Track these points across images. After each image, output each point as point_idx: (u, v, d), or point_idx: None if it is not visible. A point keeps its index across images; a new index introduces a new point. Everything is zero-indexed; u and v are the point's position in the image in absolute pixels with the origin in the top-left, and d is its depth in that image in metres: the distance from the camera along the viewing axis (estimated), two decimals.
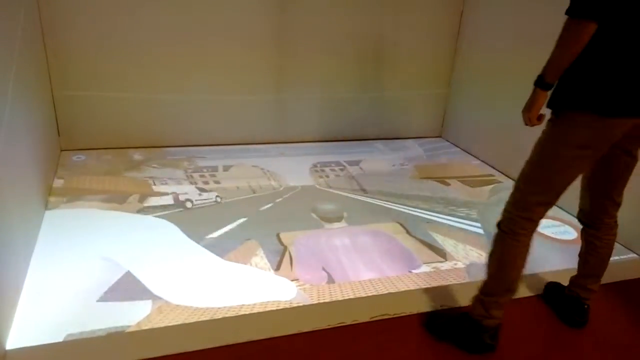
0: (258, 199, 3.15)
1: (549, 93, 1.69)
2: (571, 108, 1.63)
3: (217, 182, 3.34)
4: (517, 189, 1.82)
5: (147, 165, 3.51)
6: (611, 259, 2.68)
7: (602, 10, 1.46)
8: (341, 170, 3.73)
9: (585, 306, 2.16)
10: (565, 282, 2.24)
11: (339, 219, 2.95)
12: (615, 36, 1.52)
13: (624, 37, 1.52)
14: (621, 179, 1.90)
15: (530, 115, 1.71)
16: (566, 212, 3.09)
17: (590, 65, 1.57)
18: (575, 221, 3.07)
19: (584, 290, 2.15)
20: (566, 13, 1.50)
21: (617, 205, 1.98)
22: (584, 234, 2.09)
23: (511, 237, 1.81)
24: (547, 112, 1.74)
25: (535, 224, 1.81)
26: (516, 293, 1.91)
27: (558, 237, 2.90)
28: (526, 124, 1.76)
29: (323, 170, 3.69)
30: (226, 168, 3.58)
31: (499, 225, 1.87)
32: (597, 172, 1.88)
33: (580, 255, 2.14)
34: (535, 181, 1.77)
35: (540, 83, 1.66)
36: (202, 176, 3.41)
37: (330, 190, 3.38)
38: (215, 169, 3.55)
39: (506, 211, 1.85)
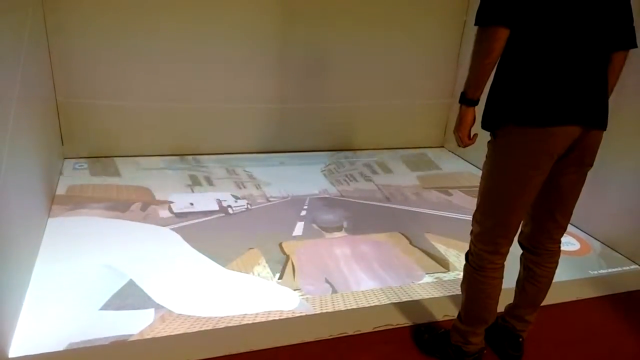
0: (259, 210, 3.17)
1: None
2: (505, 124, 1.53)
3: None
4: (476, 222, 1.71)
5: (150, 173, 3.52)
6: (614, 270, 2.72)
7: (509, 15, 1.40)
8: (346, 179, 3.74)
9: (520, 339, 1.96)
10: (568, 296, 2.17)
11: (339, 228, 2.95)
12: (533, 42, 1.46)
13: (541, 41, 1.45)
14: (568, 198, 1.70)
15: (460, 134, 1.62)
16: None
17: (517, 77, 1.50)
18: (578, 231, 3.13)
19: (520, 321, 1.94)
20: (475, 24, 1.45)
21: (562, 228, 1.79)
22: (523, 260, 1.89)
23: (480, 275, 1.71)
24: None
25: (504, 256, 1.70)
26: (492, 322, 1.82)
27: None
28: (458, 145, 1.66)
29: (330, 178, 3.70)
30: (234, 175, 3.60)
31: (467, 257, 1.78)
32: (540, 190, 1.63)
33: (517, 282, 1.94)
34: (491, 211, 1.65)
35: (464, 99, 1.58)
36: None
37: (337, 198, 3.38)
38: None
39: (472, 244, 1.74)
